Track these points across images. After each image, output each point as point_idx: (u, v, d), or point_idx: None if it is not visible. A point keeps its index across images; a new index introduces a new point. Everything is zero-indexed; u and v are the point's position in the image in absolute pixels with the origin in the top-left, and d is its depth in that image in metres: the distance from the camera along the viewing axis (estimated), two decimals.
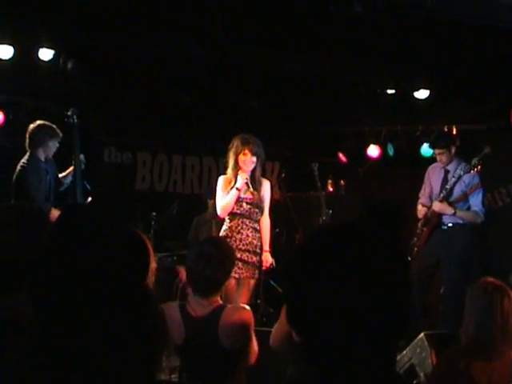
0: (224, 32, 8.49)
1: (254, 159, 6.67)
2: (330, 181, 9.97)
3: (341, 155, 10.41)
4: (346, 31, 8.09)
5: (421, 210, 7.53)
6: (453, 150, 7.47)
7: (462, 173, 7.24)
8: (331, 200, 8.75)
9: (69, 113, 7.37)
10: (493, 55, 8.26)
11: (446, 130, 9.52)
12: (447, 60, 8.53)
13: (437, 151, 7.56)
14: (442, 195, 7.36)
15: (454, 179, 7.35)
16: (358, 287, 1.54)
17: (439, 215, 7.38)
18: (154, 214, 8.91)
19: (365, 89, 9.75)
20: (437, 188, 7.52)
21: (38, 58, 8.54)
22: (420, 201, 7.66)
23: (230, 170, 6.74)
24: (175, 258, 8.69)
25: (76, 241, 1.67)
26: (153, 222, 8.81)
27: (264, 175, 7.35)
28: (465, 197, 7.34)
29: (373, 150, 10.11)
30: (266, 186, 6.89)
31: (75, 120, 7.35)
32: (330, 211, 8.24)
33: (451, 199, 7.35)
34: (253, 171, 6.72)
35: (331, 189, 9.98)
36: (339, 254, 1.59)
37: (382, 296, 1.56)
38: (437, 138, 7.73)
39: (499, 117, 9.22)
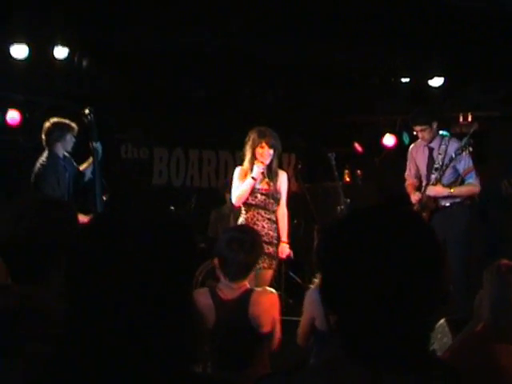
0: (238, 25, 8.50)
1: (271, 152, 6.66)
2: (346, 171, 9.95)
3: (357, 145, 10.40)
4: (360, 20, 8.09)
5: (414, 196, 7.21)
6: (434, 126, 7.11)
7: (453, 155, 6.89)
8: (348, 190, 8.74)
9: (86, 111, 7.37)
10: (507, 41, 8.23)
11: (461, 117, 9.49)
12: (461, 47, 8.51)
13: (418, 128, 7.15)
14: (434, 177, 7.03)
15: (440, 156, 6.97)
16: (394, 263, 1.57)
17: (435, 198, 7.09)
18: (172, 208, 8.94)
19: (379, 78, 9.75)
20: (423, 168, 7.24)
21: (53, 57, 8.60)
22: (407, 182, 7.46)
23: (246, 163, 6.72)
24: None
25: (124, 227, 1.61)
26: None
27: (280, 167, 7.35)
28: (458, 180, 7.05)
29: (388, 140, 10.11)
30: (282, 178, 6.87)
31: (92, 118, 7.35)
32: (348, 200, 8.21)
33: (444, 181, 7.03)
34: (270, 163, 6.73)
35: (348, 179, 9.97)
36: (373, 232, 1.61)
37: (418, 271, 1.58)
38: (416, 115, 7.25)
39: None
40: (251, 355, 4.24)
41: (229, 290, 4.30)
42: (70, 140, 7.19)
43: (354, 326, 1.61)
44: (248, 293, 4.31)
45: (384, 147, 10.21)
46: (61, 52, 8.59)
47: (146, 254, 1.56)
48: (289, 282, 8.20)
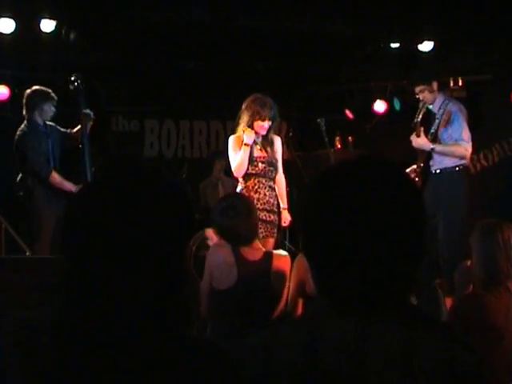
0: None
1: (270, 123, 6.59)
2: (337, 137, 9.96)
3: (347, 112, 10.38)
4: None
5: (410, 171, 6.94)
6: (434, 86, 6.90)
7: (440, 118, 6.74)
8: (340, 156, 8.72)
9: (72, 78, 7.34)
10: (497, 4, 8.19)
11: (451, 82, 9.44)
12: (451, 10, 8.46)
13: (417, 89, 6.96)
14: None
15: (437, 120, 6.78)
16: (372, 213, 1.59)
17: (425, 160, 6.90)
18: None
19: (369, 44, 9.71)
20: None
21: (40, 30, 8.52)
22: None
23: (241, 129, 6.61)
24: None
25: (118, 192, 1.60)
26: None
27: None
28: (444, 129, 6.81)
29: (379, 106, 10.08)
30: (277, 143, 6.81)
31: (80, 85, 7.31)
32: None
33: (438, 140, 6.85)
34: (266, 133, 6.67)
35: (339, 145, 9.98)
36: (352, 187, 1.63)
37: (397, 222, 1.60)
38: (415, 75, 7.13)
39: (505, 67, 9.15)
40: (267, 314, 4.33)
41: (249, 250, 4.40)
42: (47, 109, 7.21)
43: (334, 276, 1.63)
44: (268, 254, 4.45)
45: (375, 113, 10.19)
46: (48, 25, 8.51)
47: (141, 217, 1.55)
48: (283, 249, 8.22)
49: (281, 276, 4.41)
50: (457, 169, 6.92)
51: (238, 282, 4.30)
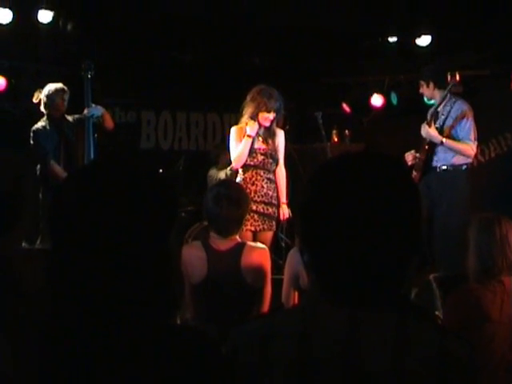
0: None
1: (275, 115, 6.57)
2: (334, 131, 9.96)
3: (345, 106, 10.38)
4: None
5: (408, 156, 6.91)
6: (431, 85, 6.92)
7: (448, 108, 6.79)
8: (336, 150, 8.71)
9: (82, 65, 7.41)
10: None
11: (448, 77, 9.42)
12: (449, 5, 8.46)
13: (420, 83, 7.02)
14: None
15: (443, 117, 6.80)
16: (370, 207, 1.60)
17: (427, 152, 6.84)
18: (161, 171, 8.93)
19: (367, 38, 9.71)
20: None
21: (38, 21, 8.51)
22: None
23: (244, 120, 6.57)
24: (183, 214, 8.74)
25: (104, 179, 1.64)
26: None
27: None
28: (452, 128, 6.79)
29: (376, 100, 10.08)
30: (280, 136, 6.78)
31: (88, 72, 7.38)
32: None
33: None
34: (270, 125, 6.64)
35: (336, 139, 9.98)
36: (351, 179, 1.65)
37: (393, 216, 1.62)
38: (422, 69, 7.16)
39: (502, 62, 9.15)
40: (242, 310, 4.25)
41: (221, 242, 4.36)
42: (58, 101, 7.33)
43: (329, 266, 1.65)
44: (241, 245, 4.39)
45: (372, 107, 10.19)
46: (45, 16, 8.51)
47: (123, 205, 1.58)
48: (277, 242, 8.23)
49: (255, 269, 4.32)
50: (464, 167, 6.90)
51: (208, 273, 4.28)
